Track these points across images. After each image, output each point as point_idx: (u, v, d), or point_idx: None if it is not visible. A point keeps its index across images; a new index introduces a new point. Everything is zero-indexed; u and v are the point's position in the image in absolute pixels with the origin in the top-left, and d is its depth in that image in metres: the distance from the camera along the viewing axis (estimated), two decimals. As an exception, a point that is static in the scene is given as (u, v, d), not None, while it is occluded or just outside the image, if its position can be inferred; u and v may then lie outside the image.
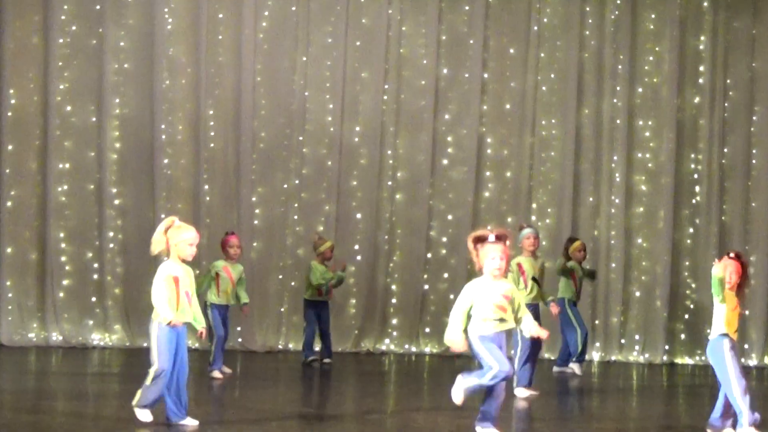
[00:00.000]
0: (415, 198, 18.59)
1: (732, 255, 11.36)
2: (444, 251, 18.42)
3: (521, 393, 13.86)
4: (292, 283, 17.80)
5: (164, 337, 10.98)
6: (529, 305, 13.89)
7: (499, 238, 10.59)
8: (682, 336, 18.54)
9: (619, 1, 18.61)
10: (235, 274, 14.97)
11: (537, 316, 14.02)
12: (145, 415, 10.86)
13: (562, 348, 16.65)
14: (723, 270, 11.02)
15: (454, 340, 10.42)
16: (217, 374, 14.63)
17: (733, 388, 11.05)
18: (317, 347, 16.66)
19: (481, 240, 10.61)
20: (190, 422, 10.87)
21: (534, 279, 14.13)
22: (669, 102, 18.64)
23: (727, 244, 18.40)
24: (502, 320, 10.80)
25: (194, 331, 11.06)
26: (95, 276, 17.80)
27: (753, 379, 14.34)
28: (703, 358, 18.33)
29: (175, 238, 11.03)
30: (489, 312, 10.79)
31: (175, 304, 10.90)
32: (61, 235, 17.81)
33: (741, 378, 11.07)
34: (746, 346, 18.23)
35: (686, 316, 18.56)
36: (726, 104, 18.74)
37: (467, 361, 13.49)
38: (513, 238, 11.33)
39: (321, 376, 15.84)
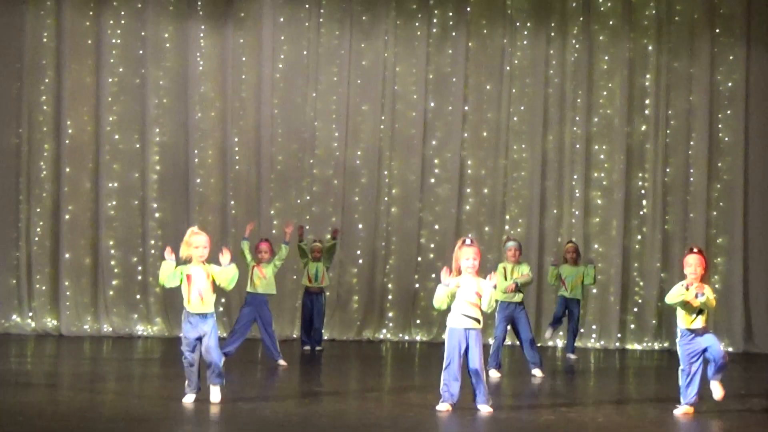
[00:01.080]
0: (407, 211, 18.68)
1: (695, 250, 11.52)
2: (432, 255, 18.48)
3: (494, 374, 14.05)
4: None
5: (185, 327, 11.19)
6: (504, 302, 14.25)
7: (473, 243, 10.96)
8: (632, 326, 18.62)
9: (577, 45, 18.70)
10: (267, 271, 14.97)
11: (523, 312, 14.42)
12: (188, 398, 11.07)
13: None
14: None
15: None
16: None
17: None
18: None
19: (459, 246, 11.00)
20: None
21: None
22: (620, 130, 18.71)
23: (669, 249, 18.51)
24: (470, 318, 11.04)
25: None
26: (139, 277, 17.92)
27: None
28: (648, 344, 18.41)
29: (190, 243, 11.29)
30: (462, 307, 11.04)
31: (187, 298, 11.12)
32: (111, 243, 17.94)
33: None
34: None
35: (635, 309, 18.62)
36: (668, 131, 18.81)
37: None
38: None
39: (328, 361, 15.90)
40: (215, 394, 11.08)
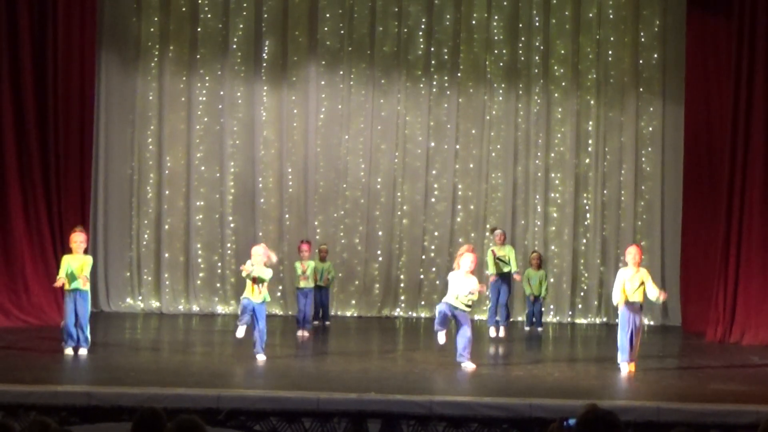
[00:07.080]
0: (414, 222, 18.55)
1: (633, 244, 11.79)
2: (432, 254, 18.41)
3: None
4: (339, 274, 17.69)
5: (242, 306, 11.64)
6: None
7: (473, 252, 11.31)
8: (579, 305, 18.44)
9: (539, 101, 18.59)
10: (308, 267, 15.03)
11: (507, 282, 15.06)
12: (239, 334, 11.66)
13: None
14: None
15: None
16: (300, 333, 14.53)
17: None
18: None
19: (461, 253, 11.37)
20: (261, 357, 11.41)
21: (500, 259, 14.92)
22: (570, 162, 18.57)
23: (606, 250, 18.39)
24: (466, 305, 11.22)
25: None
26: (219, 271, 17.93)
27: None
28: (591, 319, 18.30)
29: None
30: (462, 296, 11.16)
31: (251, 290, 11.44)
32: (198, 245, 17.95)
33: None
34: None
35: (581, 293, 18.49)
36: (605, 163, 18.66)
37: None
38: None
39: (356, 331, 15.91)
40: (261, 358, 11.38)
